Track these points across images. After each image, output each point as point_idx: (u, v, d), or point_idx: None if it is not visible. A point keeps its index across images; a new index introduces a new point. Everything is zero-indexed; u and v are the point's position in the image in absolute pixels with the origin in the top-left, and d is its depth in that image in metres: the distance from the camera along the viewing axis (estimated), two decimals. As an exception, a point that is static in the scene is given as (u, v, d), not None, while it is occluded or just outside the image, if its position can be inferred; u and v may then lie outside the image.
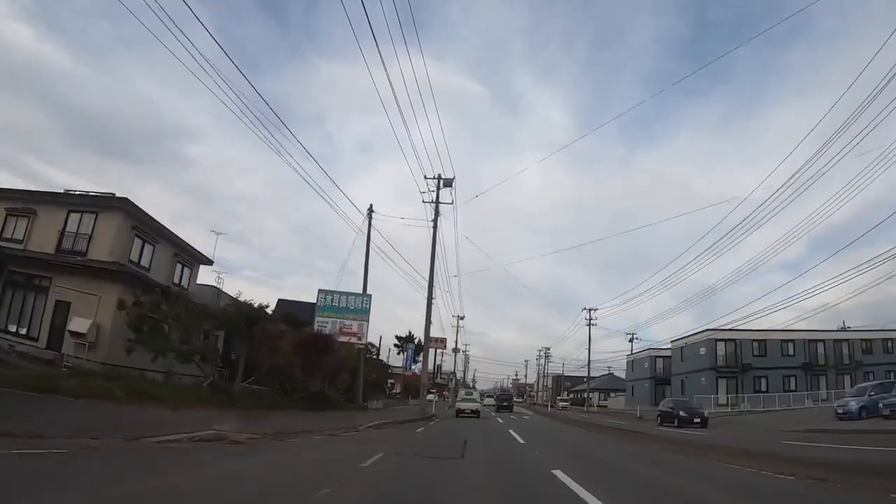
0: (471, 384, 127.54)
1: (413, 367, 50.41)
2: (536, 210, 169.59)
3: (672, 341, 50.41)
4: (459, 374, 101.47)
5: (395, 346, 52.10)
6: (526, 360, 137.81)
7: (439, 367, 76.77)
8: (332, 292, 28.67)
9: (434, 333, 77.52)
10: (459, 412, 29.86)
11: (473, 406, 30.79)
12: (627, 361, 63.71)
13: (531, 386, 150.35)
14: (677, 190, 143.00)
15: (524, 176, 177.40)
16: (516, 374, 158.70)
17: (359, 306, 28.41)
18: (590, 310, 66.01)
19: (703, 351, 44.56)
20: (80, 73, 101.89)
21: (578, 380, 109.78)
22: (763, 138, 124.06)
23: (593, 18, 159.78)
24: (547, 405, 64.42)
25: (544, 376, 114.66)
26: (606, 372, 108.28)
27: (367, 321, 28.52)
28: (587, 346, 66.04)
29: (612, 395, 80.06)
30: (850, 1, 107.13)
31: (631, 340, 69.79)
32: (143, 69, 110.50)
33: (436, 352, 78.94)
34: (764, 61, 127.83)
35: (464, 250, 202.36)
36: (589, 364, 65.49)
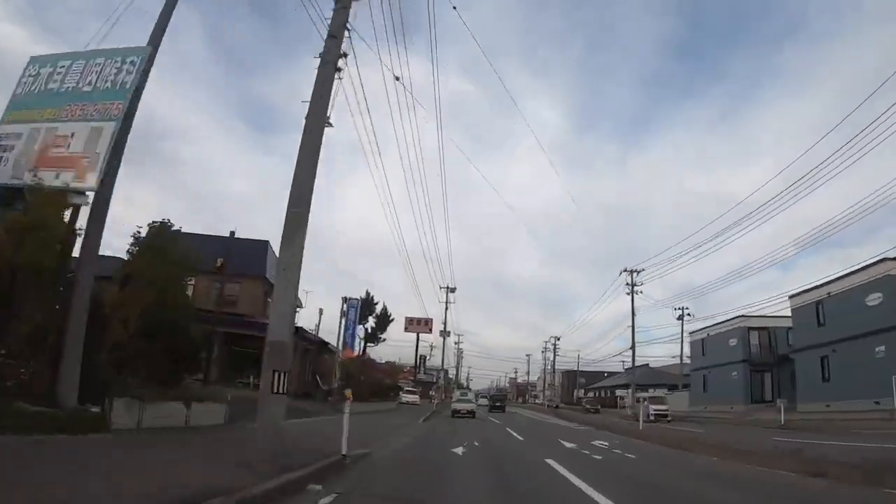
0: (465, 384, 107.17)
1: (359, 343, 30.51)
2: (531, 210, 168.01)
3: (791, 296, 31.09)
4: (447, 367, 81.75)
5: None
6: (528, 355, 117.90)
7: (424, 358, 56.82)
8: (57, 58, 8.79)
9: (416, 314, 57.44)
10: (455, 412, 27.87)
11: (469, 406, 28.94)
12: (692, 343, 44.33)
13: (533, 385, 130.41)
14: (672, 189, 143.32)
15: (519, 175, 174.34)
16: (515, 372, 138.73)
17: (108, 83, 8.47)
18: (632, 271, 46.80)
19: (876, 299, 25.16)
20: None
21: (595, 376, 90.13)
22: (757, 137, 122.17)
23: (589, 19, 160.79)
24: (621, 413, 42.39)
25: (552, 372, 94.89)
26: (622, 368, 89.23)
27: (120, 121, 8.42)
28: (630, 324, 46.76)
29: (651, 391, 60.91)
30: (844, 1, 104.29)
31: (681, 317, 50.62)
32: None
33: (418, 339, 59.18)
34: (758, 60, 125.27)
35: (457, 257, 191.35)
36: (634, 348, 46.02)
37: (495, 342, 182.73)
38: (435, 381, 55.70)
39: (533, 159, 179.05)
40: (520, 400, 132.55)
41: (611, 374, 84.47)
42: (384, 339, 31.43)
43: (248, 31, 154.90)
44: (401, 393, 47.66)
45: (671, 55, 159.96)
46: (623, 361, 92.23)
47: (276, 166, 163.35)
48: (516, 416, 38.65)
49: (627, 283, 47.39)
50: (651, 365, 69.09)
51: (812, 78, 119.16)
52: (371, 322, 31.28)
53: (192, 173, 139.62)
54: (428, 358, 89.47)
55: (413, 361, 58.24)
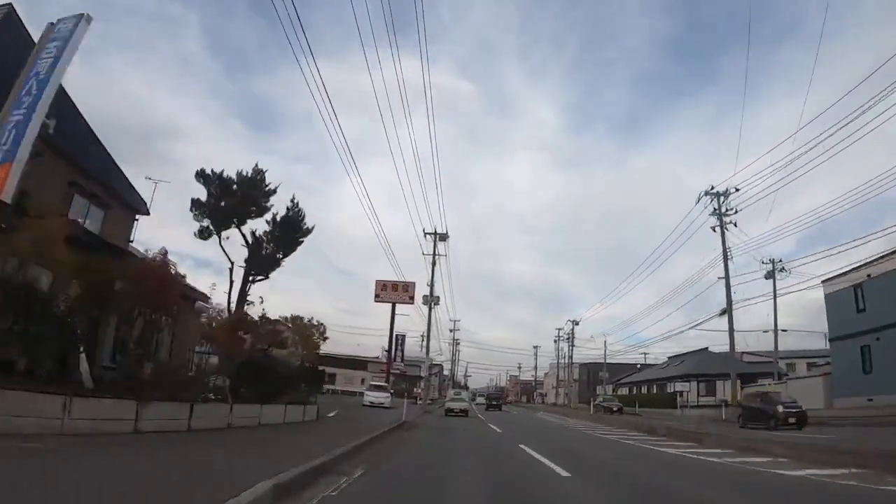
0: (462, 381, 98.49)
1: (237, 282, 13.03)
2: (528, 210, 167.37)
3: None
4: (437, 357, 65.23)
5: (195, 212, 15.02)
6: (536, 347, 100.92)
7: (401, 340, 39.44)
8: None
9: (387, 276, 39.59)
10: (449, 411, 28.09)
11: (462, 405, 28.70)
12: (829, 297, 27.54)
13: (540, 382, 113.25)
14: (669, 188, 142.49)
15: (516, 176, 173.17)
16: (518, 368, 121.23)
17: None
18: (718, 194, 30.62)
19: None
20: (70, 73, 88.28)
21: (619, 370, 73.22)
22: (754, 137, 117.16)
23: (584, 19, 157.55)
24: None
25: (569, 364, 77.87)
26: (645, 361, 72.63)
27: None
28: (723, 273, 30.16)
29: (723, 382, 44.46)
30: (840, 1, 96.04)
31: (772, 274, 34.27)
32: (132, 69, 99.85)
33: (393, 312, 41.83)
34: (754, 61, 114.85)
35: (455, 257, 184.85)
36: (730, 307, 29.31)
37: (494, 342, 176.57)
38: (422, 374, 38.30)
39: (532, 157, 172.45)
40: (524, 399, 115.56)
41: (644, 366, 67.63)
42: (282, 263, 14.27)
43: (245, 29, 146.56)
44: (366, 391, 31.02)
45: (665, 55, 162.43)
46: (645, 353, 75.18)
47: (269, 164, 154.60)
48: (554, 428, 21.77)
49: (714, 213, 30.96)
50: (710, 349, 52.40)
51: (811, 77, 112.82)
52: (259, 225, 14.25)
53: (190, 173, 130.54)
54: (420, 349, 72.47)
55: (396, 350, 41.00)
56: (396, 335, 37.15)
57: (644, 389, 54.50)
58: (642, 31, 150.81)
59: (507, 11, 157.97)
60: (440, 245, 33.94)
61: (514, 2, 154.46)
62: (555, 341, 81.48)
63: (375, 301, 37.50)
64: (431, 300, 32.28)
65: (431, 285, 32.62)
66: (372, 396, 28.87)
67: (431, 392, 64.50)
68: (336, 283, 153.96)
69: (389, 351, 35.86)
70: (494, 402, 42.79)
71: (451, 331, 73.06)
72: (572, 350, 71.63)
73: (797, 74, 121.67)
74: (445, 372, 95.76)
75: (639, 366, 68.27)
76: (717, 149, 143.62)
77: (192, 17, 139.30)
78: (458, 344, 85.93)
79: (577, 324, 70.66)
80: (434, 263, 33.14)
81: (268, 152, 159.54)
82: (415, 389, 43.37)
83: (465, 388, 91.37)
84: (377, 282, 37.79)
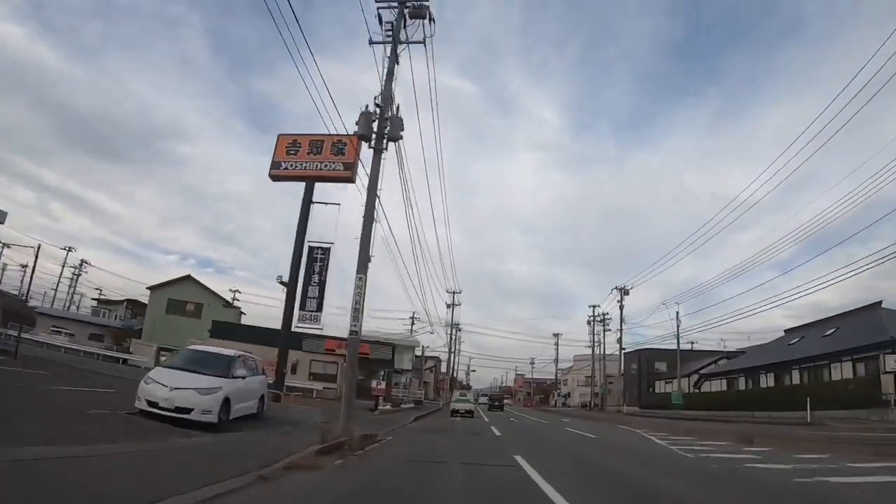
0: (464, 381, 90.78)
1: None
2: (529, 210, 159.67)
3: None
4: (423, 338, 44.93)
5: None
6: (557, 335, 79.87)
7: (319, 258, 18.27)
8: None
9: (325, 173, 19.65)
10: (454, 412, 28.67)
11: (468, 406, 29.67)
12: None
13: (562, 380, 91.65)
14: (670, 188, 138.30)
15: (517, 176, 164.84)
16: (532, 363, 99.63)
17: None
18: None
19: None
20: (72, 74, 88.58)
21: (691, 356, 51.45)
22: (755, 137, 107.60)
23: (586, 19, 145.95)
24: None
25: (607, 355, 56.54)
26: (692, 349, 51.49)
27: None
28: None
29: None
30: (841, 2, 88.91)
31: None
32: (134, 69, 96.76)
33: (309, 192, 20.74)
34: (756, 61, 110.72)
35: (457, 258, 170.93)
36: None
37: (496, 341, 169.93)
38: (351, 328, 16.69)
39: (533, 157, 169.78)
40: (538, 400, 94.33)
41: (735, 352, 45.48)
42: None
43: (245, 28, 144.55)
44: (154, 369, 9.91)
45: (666, 55, 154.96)
46: (691, 343, 52.87)
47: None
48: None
49: None
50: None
51: (811, 78, 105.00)
52: None
53: (192, 173, 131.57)
54: (411, 331, 51.58)
55: (309, 279, 19.80)
56: (311, 247, 16.21)
57: (764, 380, 33.47)
58: (644, 30, 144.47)
59: (508, 11, 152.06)
60: (421, 24, 13.20)
61: (516, 2, 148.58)
62: (588, 323, 60.23)
63: (272, 176, 16.67)
64: (381, 127, 11.47)
65: (386, 93, 11.87)
66: (159, 386, 8.13)
67: (414, 390, 43.11)
68: (341, 284, 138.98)
69: (290, 283, 15.06)
70: (496, 403, 47.03)
71: (448, 305, 52.19)
72: (621, 332, 50.10)
73: (797, 75, 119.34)
74: (444, 369, 75.21)
75: (725, 351, 47.11)
76: (718, 148, 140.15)
77: (196, 16, 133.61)
78: (459, 330, 64.41)
79: (627, 293, 49.65)
80: (394, 47, 12.44)
81: (269, 153, 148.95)
82: (389, 393, 22.62)
83: (468, 387, 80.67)
84: (280, 137, 16.91)
